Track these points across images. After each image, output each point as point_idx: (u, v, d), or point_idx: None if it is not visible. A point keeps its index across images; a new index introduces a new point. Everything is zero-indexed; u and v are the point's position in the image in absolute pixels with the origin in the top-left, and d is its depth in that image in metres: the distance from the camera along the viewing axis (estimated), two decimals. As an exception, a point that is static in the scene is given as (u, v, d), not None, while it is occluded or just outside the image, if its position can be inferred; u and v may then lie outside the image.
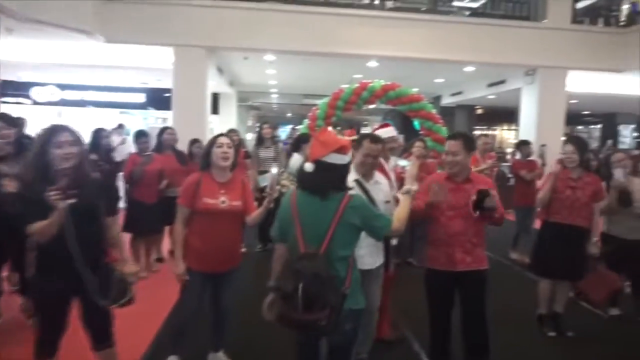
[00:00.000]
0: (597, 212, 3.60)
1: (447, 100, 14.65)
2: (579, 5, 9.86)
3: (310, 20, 8.71)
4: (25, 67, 11.12)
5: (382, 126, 3.56)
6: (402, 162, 2.57)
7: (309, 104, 13.83)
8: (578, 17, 9.67)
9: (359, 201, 2.08)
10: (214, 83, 11.17)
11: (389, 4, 9.43)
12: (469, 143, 2.77)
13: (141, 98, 13.24)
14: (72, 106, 13.19)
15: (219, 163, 2.68)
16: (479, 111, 16.20)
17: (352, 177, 2.71)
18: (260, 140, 6.36)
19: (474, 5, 9.48)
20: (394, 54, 9.04)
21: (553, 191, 3.51)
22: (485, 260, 2.77)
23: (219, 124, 13.94)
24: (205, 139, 8.12)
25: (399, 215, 2.15)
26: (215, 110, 14.00)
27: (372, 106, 12.80)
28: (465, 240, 2.68)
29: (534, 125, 9.46)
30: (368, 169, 2.77)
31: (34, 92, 13.22)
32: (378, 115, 23.88)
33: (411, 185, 2.28)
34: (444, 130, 8.79)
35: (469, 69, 10.19)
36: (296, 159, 4.90)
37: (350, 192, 2.12)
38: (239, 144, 5.24)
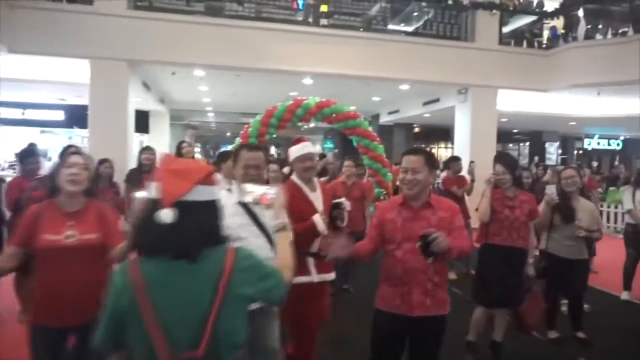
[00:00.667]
0: (532, 230, 3.46)
1: (385, 119, 14.72)
2: (505, 29, 10.22)
3: (241, 35, 8.34)
4: None
5: (296, 141, 3.13)
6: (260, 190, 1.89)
7: (247, 123, 13.35)
8: (504, 39, 10.01)
9: (248, 257, 1.39)
10: (140, 100, 10.47)
11: (324, 22, 9.26)
12: (431, 160, 2.31)
13: (59, 115, 12.17)
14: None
15: (66, 187, 2.15)
16: (417, 129, 16.45)
17: (232, 200, 2.28)
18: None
19: (408, 29, 9.56)
20: (328, 71, 8.85)
21: (492, 212, 3.32)
22: (447, 304, 2.30)
23: (149, 144, 13.11)
24: (128, 160, 7.57)
25: (284, 261, 1.58)
26: (145, 129, 13.20)
27: (312, 125, 12.60)
28: (424, 279, 2.21)
29: (468, 143, 9.57)
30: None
31: None
32: (319, 134, 23.84)
33: (282, 219, 1.79)
34: (380, 148, 8.64)
35: (404, 87, 10.21)
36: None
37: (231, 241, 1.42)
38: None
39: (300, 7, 9.52)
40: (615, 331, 4.26)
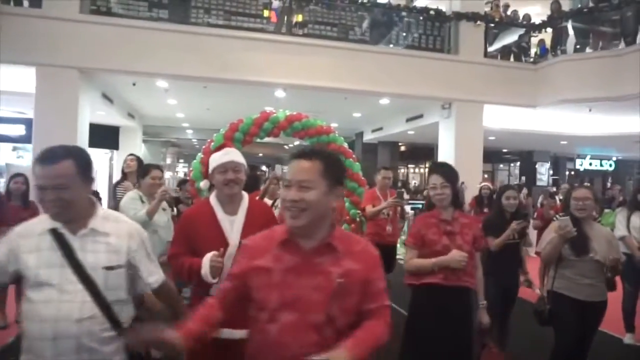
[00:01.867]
0: (479, 265, 2.70)
1: (369, 137, 14.12)
2: (492, 47, 9.72)
3: (207, 44, 7.73)
4: None
5: (220, 147, 2.46)
6: None
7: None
8: (490, 52, 9.49)
9: None
10: (104, 113, 9.82)
11: (298, 31, 8.69)
12: (334, 169, 1.49)
13: (21, 130, 11.41)
14: None
15: None
16: (402, 148, 15.85)
17: (42, 225, 1.62)
18: (123, 176, 5.30)
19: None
20: (301, 82, 8.24)
21: (421, 244, 2.53)
22: None
23: (118, 161, 12.40)
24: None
25: None
26: (114, 145, 12.51)
27: (296, 142, 11.91)
28: None
29: (452, 161, 8.92)
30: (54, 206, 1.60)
31: None
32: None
33: None
34: (357, 166, 7.95)
35: (384, 101, 9.62)
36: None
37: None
38: None
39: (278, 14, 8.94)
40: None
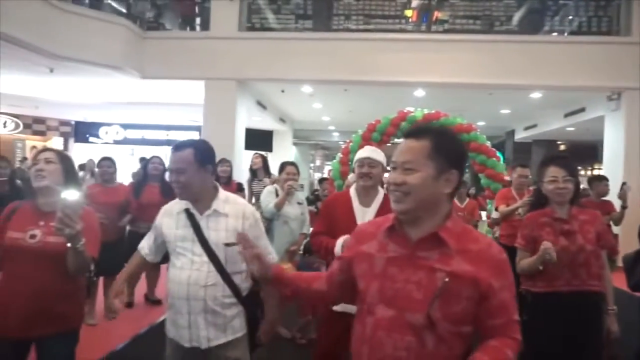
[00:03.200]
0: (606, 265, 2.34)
1: (521, 135, 12.96)
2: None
3: (347, 48, 8.07)
4: (84, 106, 11.76)
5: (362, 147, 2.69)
6: None
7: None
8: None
9: None
10: (259, 119, 10.93)
11: (438, 27, 8.48)
12: (447, 148, 1.33)
13: (195, 136, 13.40)
14: (134, 144, 13.80)
15: (34, 183, 1.99)
16: (562, 147, 14.14)
17: (179, 206, 1.96)
18: (252, 173, 6.05)
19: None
20: (441, 80, 8.01)
21: (534, 246, 2.26)
22: None
23: (272, 161, 13.66)
24: (239, 176, 7.77)
25: None
26: (268, 147, 13.79)
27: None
28: None
29: (621, 160, 7.70)
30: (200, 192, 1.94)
31: (102, 132, 14.02)
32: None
33: None
34: (500, 166, 7.47)
35: (536, 95, 8.74)
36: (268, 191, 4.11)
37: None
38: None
39: (424, 19, 8.84)
40: None
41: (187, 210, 1.94)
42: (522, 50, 7.81)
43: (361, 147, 7.66)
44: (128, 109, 12.00)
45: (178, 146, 1.92)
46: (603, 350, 2.21)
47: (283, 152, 14.54)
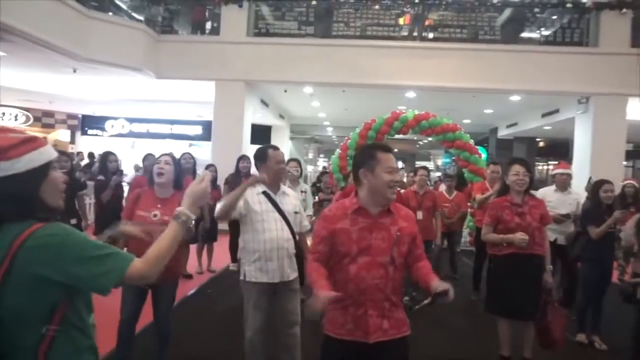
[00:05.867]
0: (547, 236, 3.32)
1: (503, 132, 13.95)
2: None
3: (345, 53, 8.88)
4: (95, 102, 12.43)
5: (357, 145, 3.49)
6: None
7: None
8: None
9: (50, 235, 1.20)
10: (260, 115, 11.70)
11: (427, 35, 9.33)
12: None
13: (198, 130, 14.13)
14: (139, 137, 14.42)
15: (155, 179, 2.86)
16: (541, 144, 15.17)
17: (257, 190, 2.79)
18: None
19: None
20: (430, 84, 8.88)
21: (499, 222, 3.21)
22: (406, 324, 2.00)
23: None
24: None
25: (156, 251, 1.37)
26: (267, 141, 14.56)
27: (430, 139, 12.50)
28: (381, 299, 1.92)
29: (588, 159, 8.68)
30: (276, 178, 2.83)
31: (108, 125, 14.64)
32: (439, 148, 23.31)
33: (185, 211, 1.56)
34: (481, 162, 8.37)
35: (515, 97, 9.68)
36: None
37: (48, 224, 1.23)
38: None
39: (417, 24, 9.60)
40: None
41: (264, 192, 2.80)
42: (504, 57, 8.71)
43: (358, 144, 8.59)
44: (135, 105, 12.69)
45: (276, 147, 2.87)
46: (542, 293, 3.14)
47: (279, 145, 15.27)
